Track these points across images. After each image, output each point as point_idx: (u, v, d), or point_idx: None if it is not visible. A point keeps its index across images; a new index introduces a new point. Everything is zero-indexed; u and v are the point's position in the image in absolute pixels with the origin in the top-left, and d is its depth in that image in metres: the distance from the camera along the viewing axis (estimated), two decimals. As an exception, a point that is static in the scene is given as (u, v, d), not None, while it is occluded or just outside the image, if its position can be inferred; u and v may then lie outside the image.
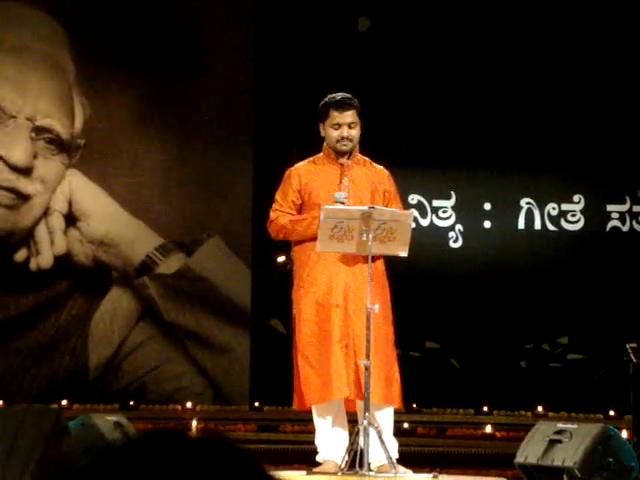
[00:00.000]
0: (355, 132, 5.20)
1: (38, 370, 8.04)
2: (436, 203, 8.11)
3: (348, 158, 5.24)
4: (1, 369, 8.02)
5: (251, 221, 8.09)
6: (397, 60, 8.03)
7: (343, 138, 5.17)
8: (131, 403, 7.86)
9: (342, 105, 5.18)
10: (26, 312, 8.08)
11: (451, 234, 8.08)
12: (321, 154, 5.29)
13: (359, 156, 5.31)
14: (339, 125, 5.16)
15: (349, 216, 4.99)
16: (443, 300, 7.90)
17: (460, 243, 8.08)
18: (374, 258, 5.07)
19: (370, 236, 4.96)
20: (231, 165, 8.23)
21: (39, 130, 8.04)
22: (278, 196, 5.26)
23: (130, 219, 8.19)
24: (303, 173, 5.23)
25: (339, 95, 5.24)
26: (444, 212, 8.09)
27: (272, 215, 5.25)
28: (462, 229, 8.09)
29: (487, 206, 8.09)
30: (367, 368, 4.92)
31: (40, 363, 8.05)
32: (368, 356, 4.93)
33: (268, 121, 8.11)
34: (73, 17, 8.21)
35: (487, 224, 8.09)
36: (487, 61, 8.03)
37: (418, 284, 7.72)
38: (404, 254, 5.12)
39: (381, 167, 5.36)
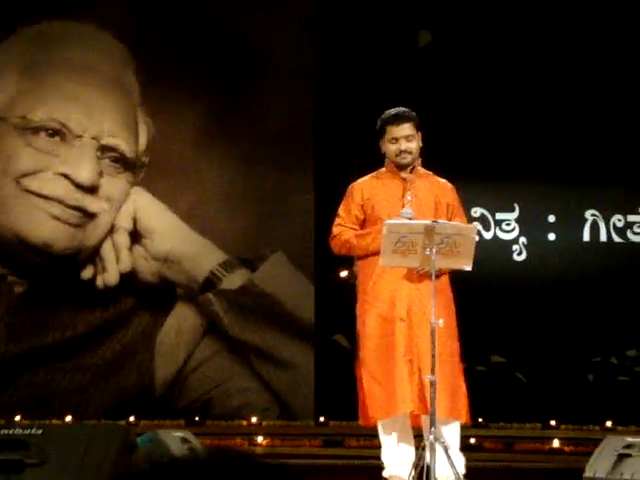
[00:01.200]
0: (413, 145, 5.20)
1: (105, 386, 8.12)
2: (499, 216, 8.06)
3: (410, 172, 5.24)
4: (70, 386, 8.11)
5: (313, 236, 8.10)
6: (458, 73, 8.01)
7: (402, 152, 5.17)
8: (197, 419, 7.90)
9: (398, 119, 5.19)
10: (93, 329, 8.16)
11: (515, 247, 8.03)
12: (383, 169, 5.29)
13: (421, 170, 5.30)
14: (396, 139, 5.17)
15: (412, 230, 4.97)
16: (508, 314, 7.84)
17: (524, 256, 8.02)
18: (438, 272, 5.05)
19: (433, 250, 4.94)
20: (293, 181, 8.26)
21: (104, 149, 8.14)
22: (341, 211, 5.27)
23: (194, 235, 8.24)
24: (365, 188, 5.24)
25: (394, 110, 5.25)
26: (508, 225, 8.04)
27: (335, 230, 5.26)
28: (526, 242, 8.03)
29: (551, 218, 8.02)
30: (432, 383, 4.89)
31: (107, 379, 8.13)
32: (433, 371, 4.90)
33: (329, 137, 8.13)
34: (137, 37, 8.31)
35: (552, 236, 8.02)
36: (549, 73, 7.98)
37: (482, 298, 7.67)
38: (468, 268, 5.08)
39: (444, 180, 5.35)
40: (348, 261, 8.08)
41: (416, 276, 5.08)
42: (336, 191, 7.88)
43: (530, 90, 7.98)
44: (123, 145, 8.17)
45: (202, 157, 8.32)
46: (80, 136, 8.11)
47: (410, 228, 4.98)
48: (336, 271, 8.04)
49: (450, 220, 5.20)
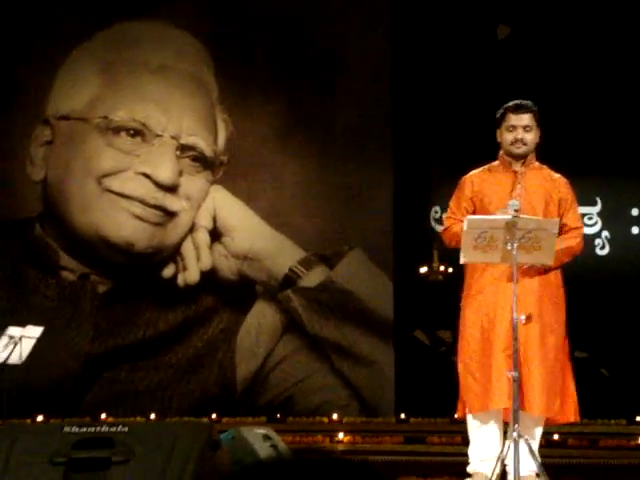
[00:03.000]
0: (530, 136, 5.16)
1: (188, 384, 8.19)
2: (581, 210, 7.93)
3: (522, 165, 5.19)
4: (152, 383, 8.20)
5: (392, 233, 8.08)
6: (537, 66, 7.92)
7: (517, 140, 5.14)
8: (278, 416, 7.93)
9: (519, 108, 5.17)
10: (175, 327, 8.24)
11: (597, 241, 7.92)
12: (497, 162, 5.25)
13: (536, 163, 5.25)
14: (514, 127, 5.14)
15: (493, 225, 4.92)
16: (591, 308, 7.74)
17: (607, 250, 7.91)
18: (546, 270, 5.02)
19: (515, 245, 4.89)
20: (371, 177, 8.24)
21: (184, 148, 8.21)
22: (452, 203, 5.25)
23: (273, 233, 8.28)
24: (476, 180, 5.21)
25: (517, 100, 5.23)
26: (590, 219, 7.94)
27: (446, 222, 5.24)
28: (609, 236, 7.92)
29: (634, 212, 7.90)
30: (515, 380, 4.84)
31: (189, 377, 8.20)
32: (516, 367, 4.85)
33: (407, 132, 8.10)
34: (215, 36, 8.37)
35: (635, 230, 7.90)
36: (629, 66, 7.85)
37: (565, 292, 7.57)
38: (550, 263, 5.03)
39: (559, 175, 5.28)
40: (427, 257, 8.04)
41: (520, 271, 5.02)
42: (414, 186, 7.83)
43: (610, 83, 7.86)
44: (202, 144, 8.24)
45: (280, 155, 8.34)
46: (160, 135, 8.19)
47: (491, 223, 4.93)
48: (415, 267, 8.01)
49: (562, 215, 5.15)
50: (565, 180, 5.27)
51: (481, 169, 5.27)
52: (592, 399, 7.64)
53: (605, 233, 7.94)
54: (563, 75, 7.91)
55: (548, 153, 7.80)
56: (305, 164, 8.34)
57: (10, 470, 3.80)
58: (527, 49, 7.94)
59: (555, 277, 5.16)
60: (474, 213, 5.15)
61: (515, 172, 5.19)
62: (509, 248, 4.88)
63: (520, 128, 5.15)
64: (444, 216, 5.32)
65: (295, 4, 8.42)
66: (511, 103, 5.21)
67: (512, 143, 5.15)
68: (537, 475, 4.92)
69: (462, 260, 5.03)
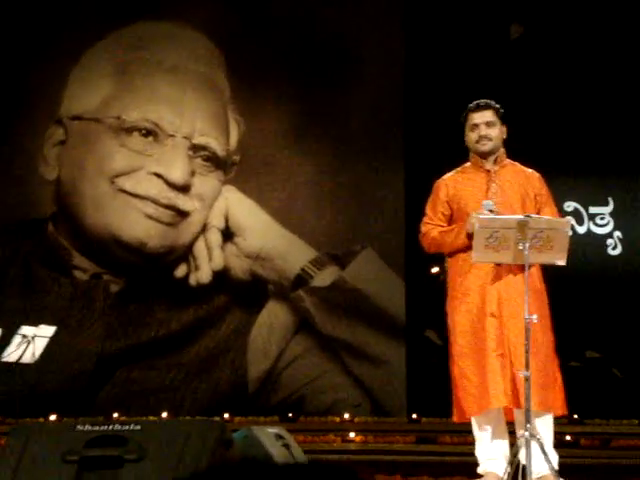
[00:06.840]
0: (494, 132, 5.15)
1: (200, 383, 8.21)
2: (593, 210, 7.95)
3: (494, 164, 5.19)
4: (165, 383, 8.22)
5: (404, 232, 8.09)
6: (550, 66, 7.92)
7: (481, 137, 5.14)
8: (290, 415, 7.94)
9: (479, 106, 5.18)
10: (187, 326, 8.26)
11: (609, 241, 7.91)
12: (468, 163, 5.26)
13: (507, 161, 5.25)
14: (476, 125, 5.15)
15: (505, 225, 4.92)
16: (603, 309, 7.74)
17: (619, 250, 7.90)
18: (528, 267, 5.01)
19: (527, 245, 4.89)
20: (382, 177, 8.25)
21: (196, 148, 8.23)
22: (428, 208, 5.25)
23: (284, 233, 8.29)
24: (450, 183, 5.21)
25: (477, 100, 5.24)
26: (602, 219, 7.93)
27: (423, 228, 5.24)
28: (621, 236, 7.91)
29: (646, 211, 7.90)
30: (527, 379, 4.84)
31: (202, 377, 8.22)
32: (527, 367, 4.85)
33: (418, 132, 8.10)
34: (227, 37, 8.39)
35: (647, 230, 7.90)
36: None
37: (577, 293, 7.57)
38: (562, 263, 5.02)
39: (531, 170, 5.28)
40: (439, 257, 8.05)
41: (505, 271, 5.04)
42: (426, 186, 7.81)
43: (624, 82, 7.85)
44: (214, 144, 8.26)
45: (292, 155, 8.36)
46: (172, 135, 8.22)
47: (502, 223, 4.93)
48: (427, 267, 8.01)
49: (539, 210, 5.15)
50: (538, 175, 5.27)
51: (454, 172, 5.27)
52: (604, 399, 7.65)
53: (617, 233, 7.93)
54: (576, 74, 7.90)
55: (560, 152, 7.81)
56: (317, 164, 8.35)
57: (23, 469, 3.82)
58: (540, 48, 7.94)
59: (537, 273, 5.17)
60: (451, 217, 5.17)
61: (488, 171, 5.19)
62: (521, 248, 4.89)
63: (482, 125, 5.16)
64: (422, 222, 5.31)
65: (308, 3, 8.44)
66: (471, 103, 5.23)
67: (477, 141, 5.16)
68: (550, 475, 4.93)
69: (474, 260, 5.03)
